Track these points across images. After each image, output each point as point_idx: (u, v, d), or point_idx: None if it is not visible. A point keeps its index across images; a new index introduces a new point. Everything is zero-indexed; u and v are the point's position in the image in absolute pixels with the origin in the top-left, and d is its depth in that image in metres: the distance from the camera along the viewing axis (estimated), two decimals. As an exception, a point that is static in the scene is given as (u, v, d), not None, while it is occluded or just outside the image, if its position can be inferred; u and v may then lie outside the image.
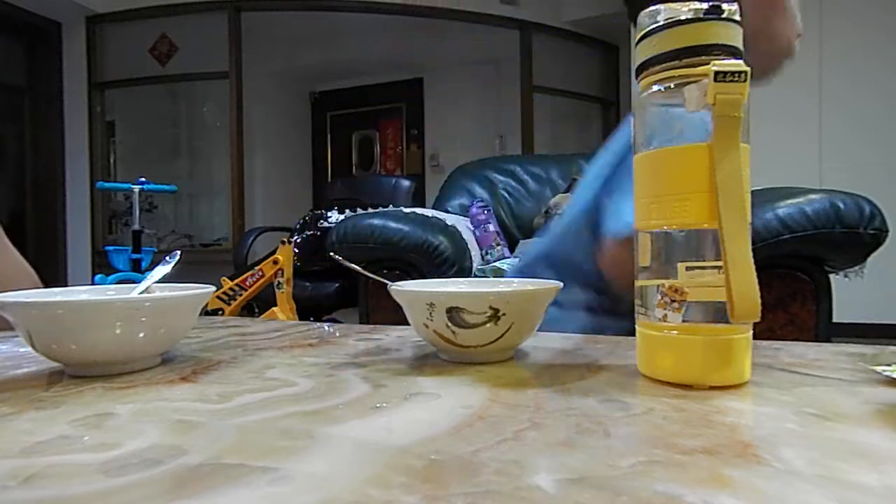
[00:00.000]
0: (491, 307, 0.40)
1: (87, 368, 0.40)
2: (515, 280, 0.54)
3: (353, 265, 0.52)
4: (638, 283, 0.38)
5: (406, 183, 3.09)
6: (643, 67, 0.37)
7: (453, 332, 0.41)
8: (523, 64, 4.02)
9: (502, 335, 0.41)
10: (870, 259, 1.13)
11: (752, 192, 0.36)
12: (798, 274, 1.19)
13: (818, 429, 0.27)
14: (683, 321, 0.35)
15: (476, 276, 1.73)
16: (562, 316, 0.81)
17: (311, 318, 2.36)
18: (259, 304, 2.16)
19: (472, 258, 1.78)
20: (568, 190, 2.24)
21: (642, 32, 0.37)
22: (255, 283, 1.87)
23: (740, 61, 0.33)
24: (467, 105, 4.94)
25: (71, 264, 3.95)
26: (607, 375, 0.38)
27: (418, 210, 1.93)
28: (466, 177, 2.36)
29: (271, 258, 1.88)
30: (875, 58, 2.87)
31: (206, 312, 1.75)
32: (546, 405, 0.31)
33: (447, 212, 2.14)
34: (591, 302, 0.81)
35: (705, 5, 0.35)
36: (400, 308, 0.45)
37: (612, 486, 0.20)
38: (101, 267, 3.63)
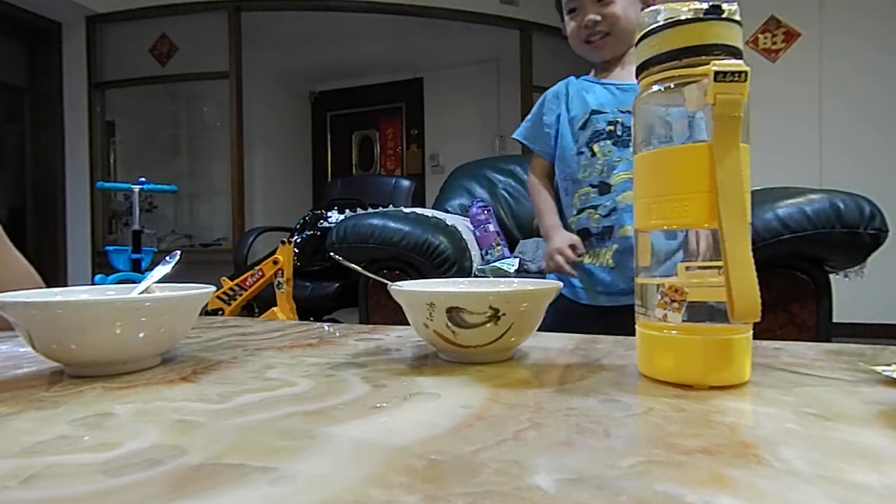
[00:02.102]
0: (491, 307, 0.40)
1: (87, 368, 0.40)
2: (515, 280, 0.54)
3: (353, 265, 0.52)
4: (638, 283, 0.38)
5: (406, 183, 3.09)
6: (643, 67, 0.37)
7: (453, 332, 0.41)
8: (523, 64, 4.02)
9: (502, 335, 0.41)
10: (870, 259, 1.13)
11: (752, 192, 0.36)
12: (798, 274, 1.19)
13: (818, 429, 0.27)
14: (683, 321, 0.35)
15: (476, 276, 1.73)
16: None
17: (311, 318, 2.36)
18: (259, 304, 2.16)
19: (472, 258, 1.78)
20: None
21: (642, 32, 0.37)
22: (255, 283, 1.87)
23: (740, 61, 0.33)
24: (467, 105, 4.93)
25: (71, 264, 3.94)
26: (607, 375, 0.38)
27: (418, 210, 1.93)
28: (466, 177, 2.36)
29: (271, 258, 1.87)
30: (876, 57, 2.87)
31: (206, 312, 1.75)
32: (546, 405, 0.31)
33: (447, 212, 2.14)
34: None
35: (705, 5, 0.35)
36: (400, 308, 0.45)
37: (612, 486, 0.20)
38: (101, 267, 3.63)
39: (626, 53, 1.13)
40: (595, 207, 1.08)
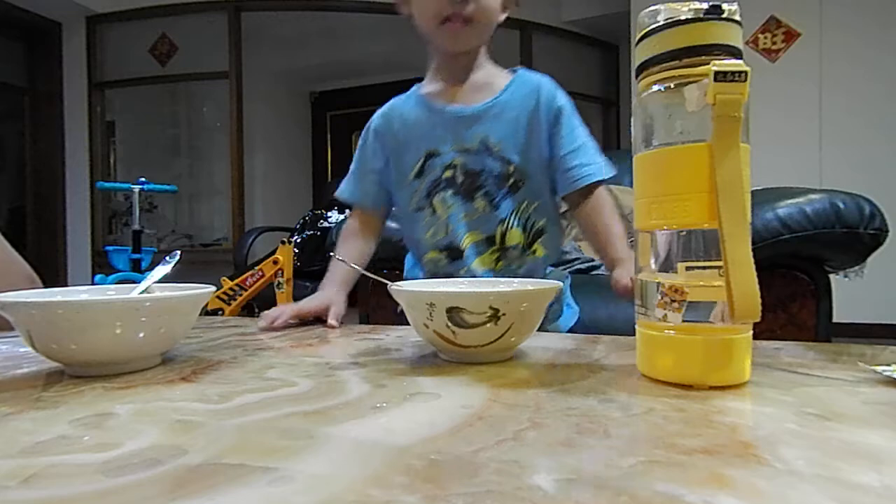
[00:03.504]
0: (491, 307, 0.40)
1: (87, 368, 0.40)
2: (515, 280, 0.54)
3: (352, 265, 0.52)
4: (638, 282, 0.38)
5: (406, 183, 3.08)
6: (643, 67, 0.37)
7: (453, 332, 0.41)
8: (523, 64, 4.02)
9: (502, 335, 0.41)
10: (870, 259, 1.13)
11: (752, 192, 0.36)
12: (798, 274, 1.19)
13: (818, 429, 0.27)
14: (683, 321, 0.35)
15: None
16: None
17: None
18: (259, 304, 2.15)
19: (472, 258, 1.78)
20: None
21: (642, 32, 0.37)
22: (255, 283, 1.87)
23: (740, 61, 0.33)
24: (467, 105, 4.93)
25: (71, 264, 3.94)
26: (607, 375, 0.38)
27: (418, 210, 1.93)
28: (466, 177, 2.35)
29: (271, 258, 1.87)
30: (876, 57, 2.87)
31: (206, 312, 1.75)
32: (546, 405, 0.31)
33: (447, 212, 2.14)
34: None
35: (705, 5, 0.35)
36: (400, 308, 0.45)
37: (612, 486, 0.20)
38: (101, 267, 3.63)
39: (478, 53, 0.89)
40: (451, 276, 0.87)
